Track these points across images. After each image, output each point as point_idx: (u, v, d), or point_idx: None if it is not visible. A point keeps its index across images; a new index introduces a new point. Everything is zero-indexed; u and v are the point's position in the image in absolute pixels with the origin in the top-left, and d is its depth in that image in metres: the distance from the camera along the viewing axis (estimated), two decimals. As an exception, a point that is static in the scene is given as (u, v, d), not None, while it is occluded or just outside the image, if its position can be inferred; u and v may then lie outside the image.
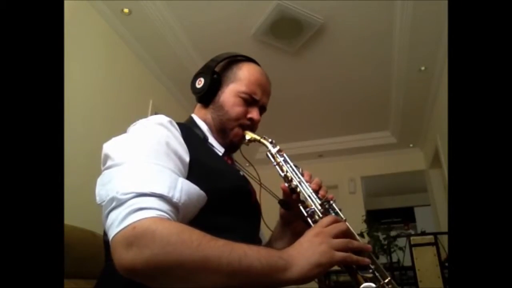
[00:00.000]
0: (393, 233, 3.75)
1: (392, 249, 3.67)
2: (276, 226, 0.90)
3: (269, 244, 0.88)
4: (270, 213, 0.90)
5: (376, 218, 5.33)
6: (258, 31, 2.52)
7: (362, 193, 4.70)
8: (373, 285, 0.58)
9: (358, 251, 0.61)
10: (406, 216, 6.69)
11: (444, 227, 3.79)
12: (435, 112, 3.45)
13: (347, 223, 0.65)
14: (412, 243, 2.63)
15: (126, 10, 2.31)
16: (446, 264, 2.57)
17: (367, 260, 0.61)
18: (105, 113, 2.25)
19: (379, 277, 0.60)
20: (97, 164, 0.67)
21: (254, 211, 0.82)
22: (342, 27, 2.54)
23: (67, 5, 1.92)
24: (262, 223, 0.86)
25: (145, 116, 0.75)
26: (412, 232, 5.40)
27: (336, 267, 0.60)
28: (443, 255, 2.64)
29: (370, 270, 0.60)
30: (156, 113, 0.74)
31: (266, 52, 2.72)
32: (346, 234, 0.63)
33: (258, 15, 2.40)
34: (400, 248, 3.62)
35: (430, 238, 2.63)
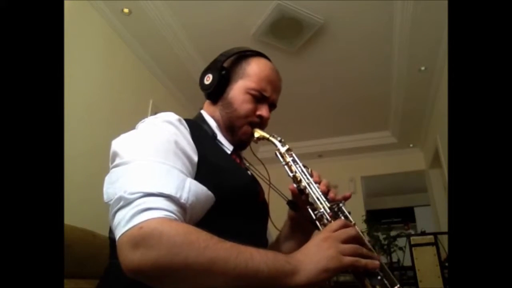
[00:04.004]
0: (393, 233, 3.75)
1: (392, 249, 3.67)
2: (284, 226, 0.88)
3: (277, 244, 0.86)
4: (278, 212, 0.89)
5: (376, 218, 5.32)
6: (258, 31, 2.52)
7: (362, 193, 4.68)
8: None
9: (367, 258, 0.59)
10: (406, 216, 6.68)
11: (444, 227, 3.79)
12: (435, 112, 3.45)
13: (356, 228, 0.63)
14: (412, 243, 2.63)
15: (126, 10, 2.31)
16: (446, 264, 2.57)
17: (376, 262, 0.58)
18: (105, 113, 2.25)
19: (387, 284, 0.57)
20: (97, 164, 0.67)
21: (261, 211, 0.81)
22: (342, 27, 2.53)
23: (67, 5, 1.92)
24: (269, 222, 0.85)
25: (145, 116, 0.75)
26: (412, 232, 5.39)
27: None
28: (443, 255, 2.64)
29: (379, 277, 0.58)
30: (156, 113, 0.73)
31: (266, 52, 2.67)
32: (355, 239, 0.61)
33: (258, 15, 2.40)
34: (400, 248, 3.62)
35: (430, 238, 2.62)
